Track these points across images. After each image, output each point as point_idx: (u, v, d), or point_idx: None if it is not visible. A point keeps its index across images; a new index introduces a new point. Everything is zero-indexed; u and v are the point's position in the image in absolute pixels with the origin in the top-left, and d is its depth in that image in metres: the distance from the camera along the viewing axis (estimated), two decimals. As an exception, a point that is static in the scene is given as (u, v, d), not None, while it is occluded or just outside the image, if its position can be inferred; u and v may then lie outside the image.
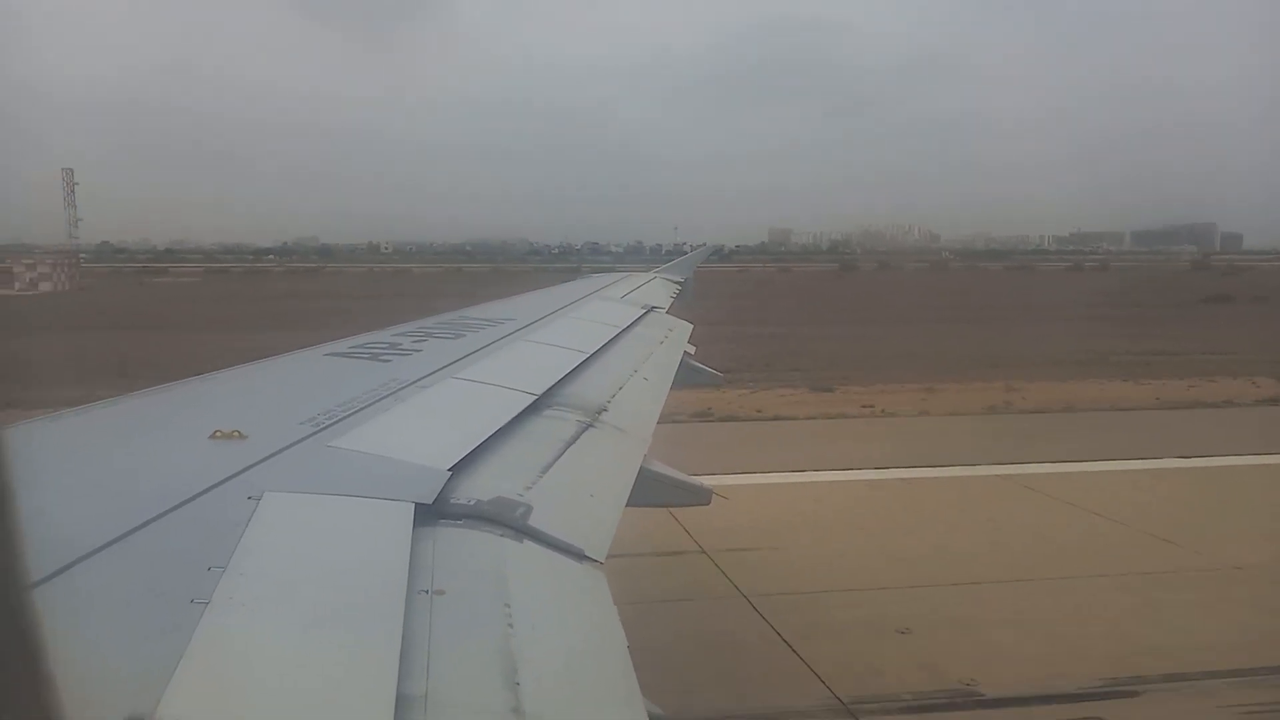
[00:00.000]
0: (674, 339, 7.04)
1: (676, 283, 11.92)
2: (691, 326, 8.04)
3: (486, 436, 2.93)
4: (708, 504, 4.06)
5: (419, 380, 3.65)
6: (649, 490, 3.40)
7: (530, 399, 3.59)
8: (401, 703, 1.44)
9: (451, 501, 2.34)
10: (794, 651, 7.91)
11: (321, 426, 2.80)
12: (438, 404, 3.39)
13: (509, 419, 3.23)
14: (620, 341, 6.01)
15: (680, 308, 9.78)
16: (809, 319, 44.03)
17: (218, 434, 2.60)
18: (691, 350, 7.16)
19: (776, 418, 18.95)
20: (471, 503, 2.36)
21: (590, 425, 3.55)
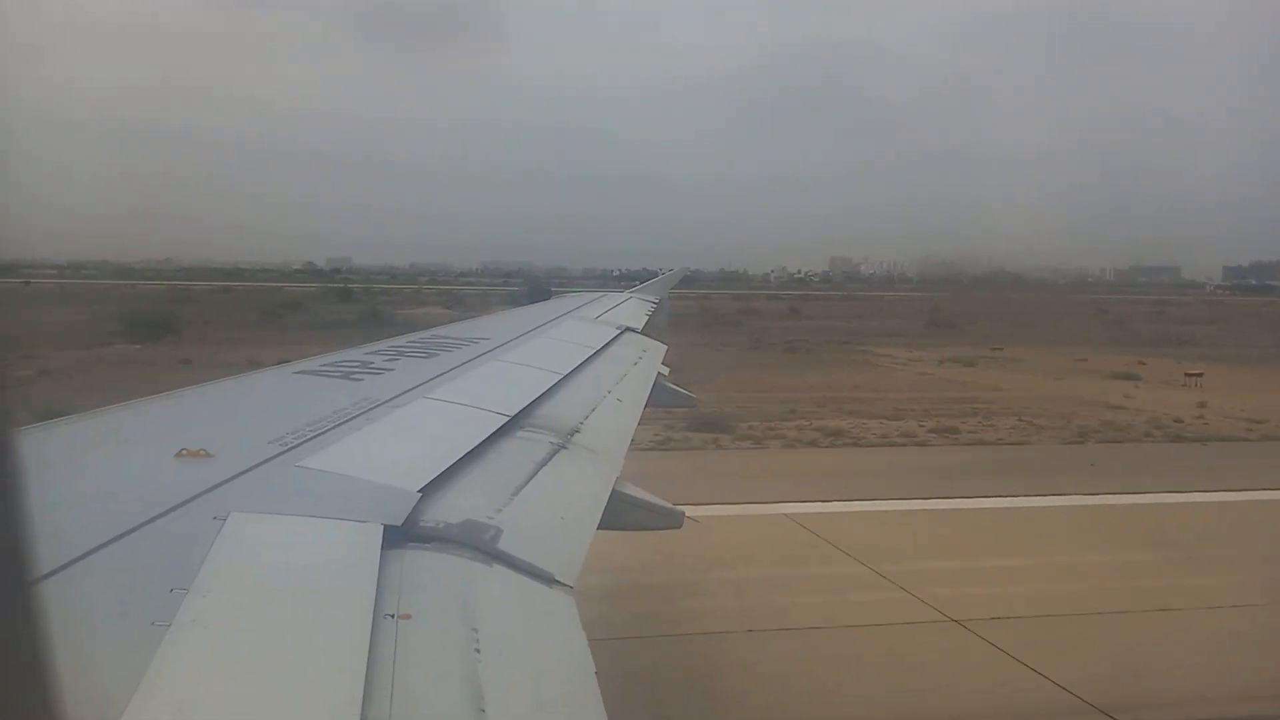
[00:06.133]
0: (648, 360, 7.05)
1: (651, 303, 11.96)
2: (665, 348, 8.05)
3: (458, 458, 2.92)
4: (679, 527, 4.06)
5: (390, 400, 3.62)
6: (621, 513, 3.40)
7: (503, 420, 3.58)
8: None
9: (421, 524, 2.32)
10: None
11: (290, 446, 2.77)
12: (409, 424, 3.37)
13: (481, 440, 3.22)
14: (594, 362, 6.01)
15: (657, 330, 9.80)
16: None
17: (184, 452, 2.57)
18: (665, 371, 7.18)
19: None
20: (441, 525, 2.34)
21: (563, 447, 3.55)
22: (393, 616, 1.80)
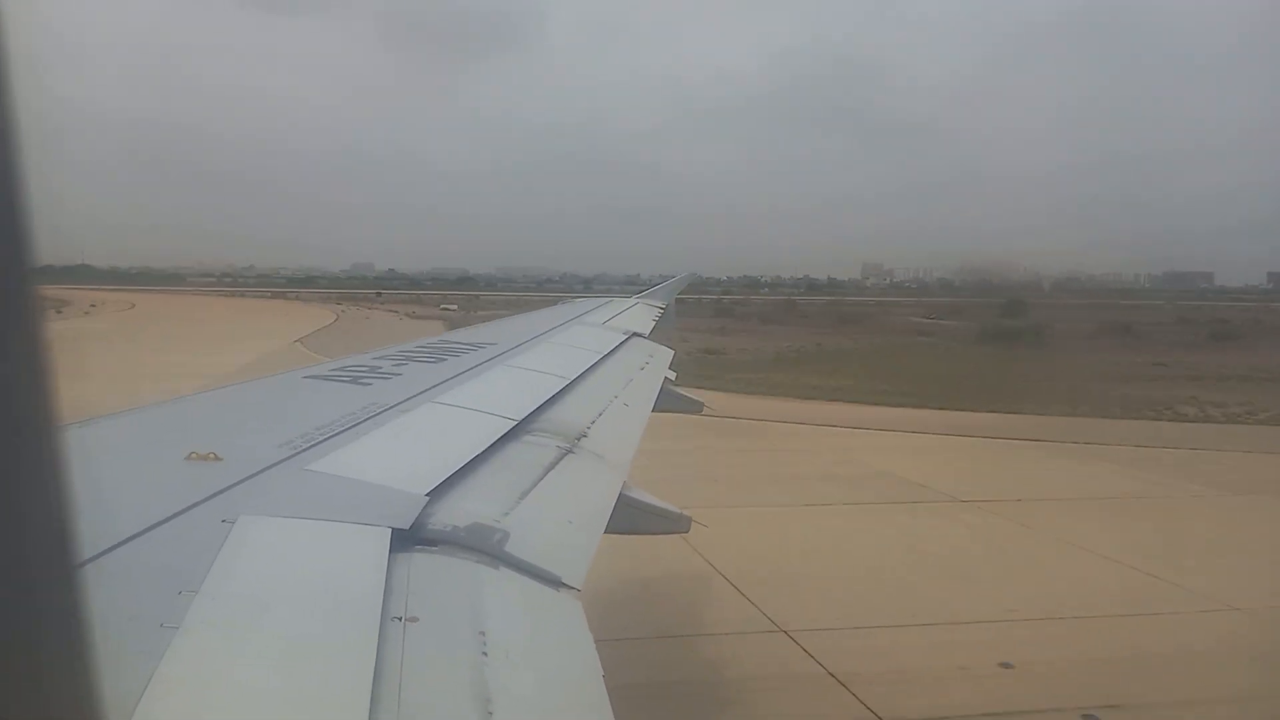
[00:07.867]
0: (655, 365, 7.05)
1: (659, 308, 11.95)
2: (673, 353, 8.05)
3: (465, 462, 2.92)
4: (687, 531, 4.05)
5: (398, 404, 3.63)
6: (628, 517, 3.40)
7: (510, 424, 3.58)
8: None
9: (428, 527, 2.32)
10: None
11: (298, 450, 2.78)
12: (416, 428, 3.38)
13: (488, 444, 3.23)
14: (601, 367, 6.01)
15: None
16: None
17: (193, 455, 2.58)
18: (673, 376, 7.18)
19: None
20: (448, 528, 2.35)
21: (569, 451, 3.55)
22: (400, 619, 1.80)
